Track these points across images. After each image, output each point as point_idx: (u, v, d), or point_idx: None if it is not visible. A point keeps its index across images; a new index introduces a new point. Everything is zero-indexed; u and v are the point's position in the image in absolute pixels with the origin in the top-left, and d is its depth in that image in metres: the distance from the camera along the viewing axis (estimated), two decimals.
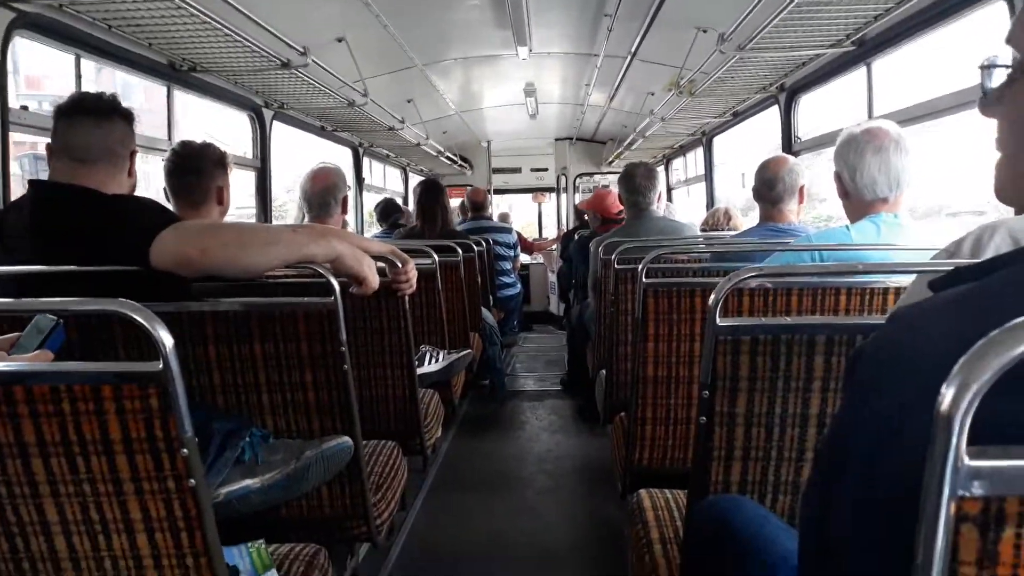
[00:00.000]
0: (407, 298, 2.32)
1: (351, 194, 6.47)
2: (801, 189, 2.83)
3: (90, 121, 1.71)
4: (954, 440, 0.48)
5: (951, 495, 0.49)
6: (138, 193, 1.88)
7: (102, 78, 3.31)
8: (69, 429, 1.04)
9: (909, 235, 1.99)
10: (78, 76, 2.69)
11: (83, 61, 2.71)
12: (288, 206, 6.36)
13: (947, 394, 0.48)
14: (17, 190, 2.19)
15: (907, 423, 0.54)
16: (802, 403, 1.29)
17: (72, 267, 1.54)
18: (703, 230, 4.30)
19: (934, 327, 0.60)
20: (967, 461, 0.48)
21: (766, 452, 1.33)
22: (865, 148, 2.01)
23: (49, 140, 1.73)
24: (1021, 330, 0.47)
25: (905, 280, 1.71)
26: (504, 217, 9.13)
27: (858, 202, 2.08)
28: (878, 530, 0.57)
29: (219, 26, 2.65)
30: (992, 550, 0.50)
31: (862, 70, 3.23)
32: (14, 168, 2.25)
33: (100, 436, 1.04)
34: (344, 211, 3.08)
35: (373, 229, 6.86)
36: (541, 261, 8.91)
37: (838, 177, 2.10)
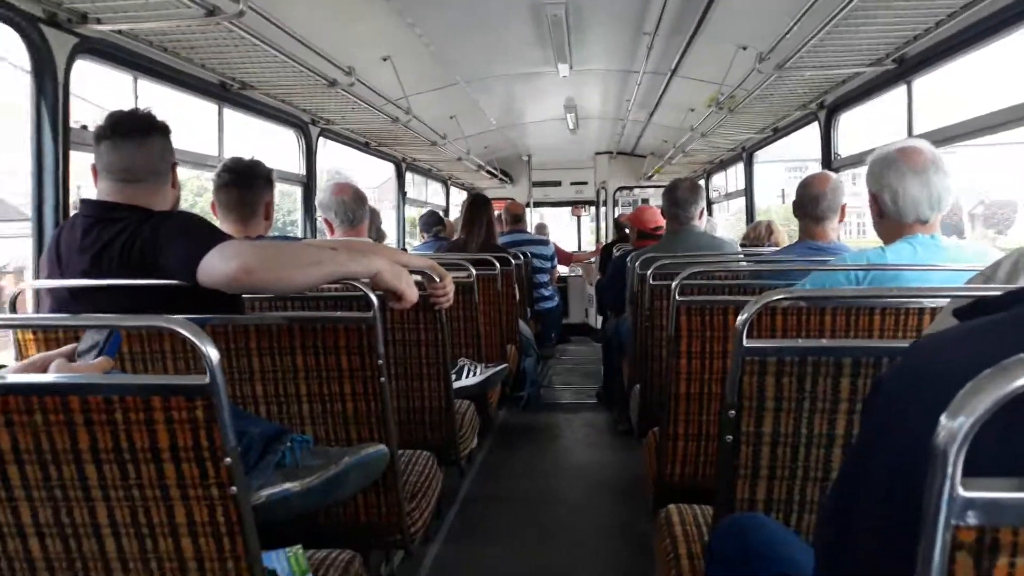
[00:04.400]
0: (444, 311, 2.37)
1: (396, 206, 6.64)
2: (843, 207, 2.81)
3: (130, 141, 1.77)
4: (949, 471, 0.50)
5: (947, 524, 0.51)
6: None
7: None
8: (121, 437, 1.10)
9: (946, 256, 1.96)
10: (136, 96, 2.81)
11: (140, 81, 2.83)
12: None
13: (944, 426, 0.50)
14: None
15: (921, 455, 0.57)
16: (828, 424, 1.30)
17: (123, 281, 1.62)
18: (744, 244, 4.29)
19: (952, 358, 0.62)
20: (962, 492, 0.50)
21: (792, 471, 1.34)
22: (905, 170, 1.97)
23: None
24: (1017, 366, 0.50)
25: (941, 300, 1.70)
26: (541, 228, 9.16)
27: (895, 224, 2.04)
28: (896, 559, 0.58)
29: (269, 48, 2.74)
30: None
31: (902, 88, 3.21)
32: None
33: (149, 444, 1.10)
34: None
35: (414, 241, 6.97)
36: (580, 274, 8.92)
37: (875, 198, 2.07)
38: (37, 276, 2.08)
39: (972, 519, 0.51)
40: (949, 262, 1.92)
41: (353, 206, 3.01)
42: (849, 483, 0.70)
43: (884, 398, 0.65)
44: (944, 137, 2.82)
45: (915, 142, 2.05)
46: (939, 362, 0.63)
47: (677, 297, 2.04)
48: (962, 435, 0.49)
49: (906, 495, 0.57)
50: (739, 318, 1.30)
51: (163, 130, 1.86)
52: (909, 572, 0.53)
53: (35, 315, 1.94)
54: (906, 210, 2.00)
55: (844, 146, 4.03)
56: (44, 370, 1.20)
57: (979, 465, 0.52)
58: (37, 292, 2.07)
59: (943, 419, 0.50)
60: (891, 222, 2.06)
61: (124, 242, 1.66)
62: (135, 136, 1.78)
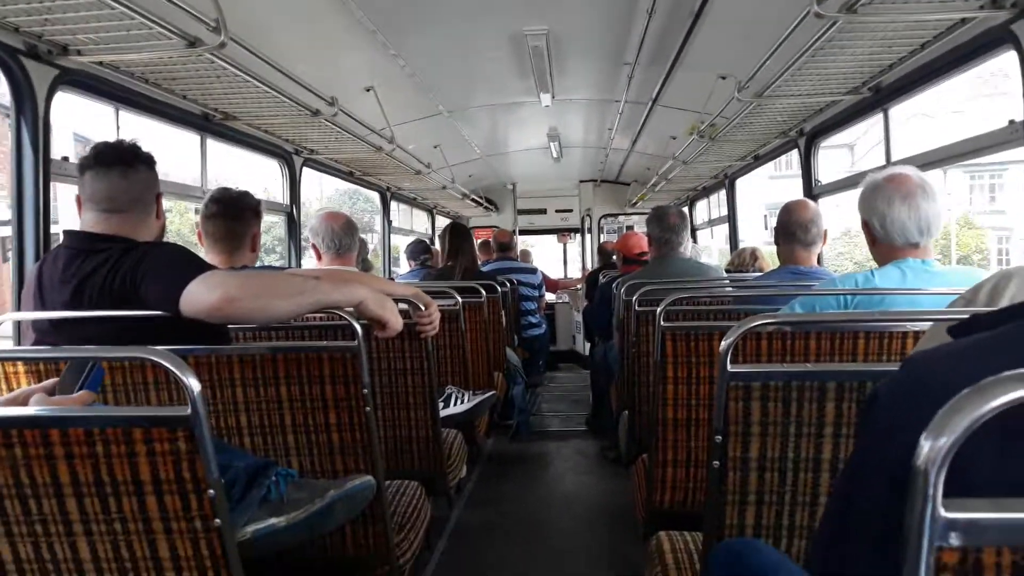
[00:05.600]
0: (431, 339, 2.36)
1: (379, 236, 6.64)
2: (825, 233, 2.86)
3: (114, 172, 1.78)
4: (930, 492, 0.50)
5: (930, 546, 0.51)
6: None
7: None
8: (102, 470, 1.08)
9: (937, 281, 1.97)
10: (117, 127, 2.80)
11: (121, 113, 2.82)
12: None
13: (924, 447, 0.51)
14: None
15: None
16: (814, 448, 1.30)
17: (105, 312, 1.61)
18: (729, 270, 4.32)
19: (948, 373, 0.62)
20: (943, 513, 0.51)
21: (780, 496, 1.34)
22: (893, 195, 2.00)
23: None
24: (994, 385, 0.50)
25: (925, 324, 1.71)
26: (525, 255, 9.17)
27: (887, 248, 2.07)
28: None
29: (251, 79, 2.75)
30: None
31: (879, 115, 3.26)
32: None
33: (131, 477, 1.09)
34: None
35: (400, 269, 6.97)
36: (567, 300, 8.93)
37: (866, 224, 2.10)
38: (18, 308, 2.06)
39: (955, 540, 0.51)
40: (937, 287, 1.93)
41: (341, 235, 3.01)
42: (846, 501, 0.69)
43: (881, 411, 0.66)
44: (924, 162, 2.86)
45: (903, 169, 2.08)
46: (933, 376, 0.63)
47: (662, 323, 2.05)
48: (942, 455, 0.50)
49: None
50: (723, 343, 1.31)
51: (148, 161, 1.86)
52: None
53: (15, 348, 1.92)
54: (894, 235, 2.03)
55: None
56: (24, 405, 1.18)
57: (975, 483, 0.52)
58: (18, 324, 2.06)
59: (923, 439, 0.51)
60: (883, 247, 2.09)
61: (106, 273, 1.65)
62: (120, 166, 1.78)
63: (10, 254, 2.26)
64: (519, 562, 3.12)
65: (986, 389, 0.50)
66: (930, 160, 2.82)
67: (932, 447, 0.50)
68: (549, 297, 8.33)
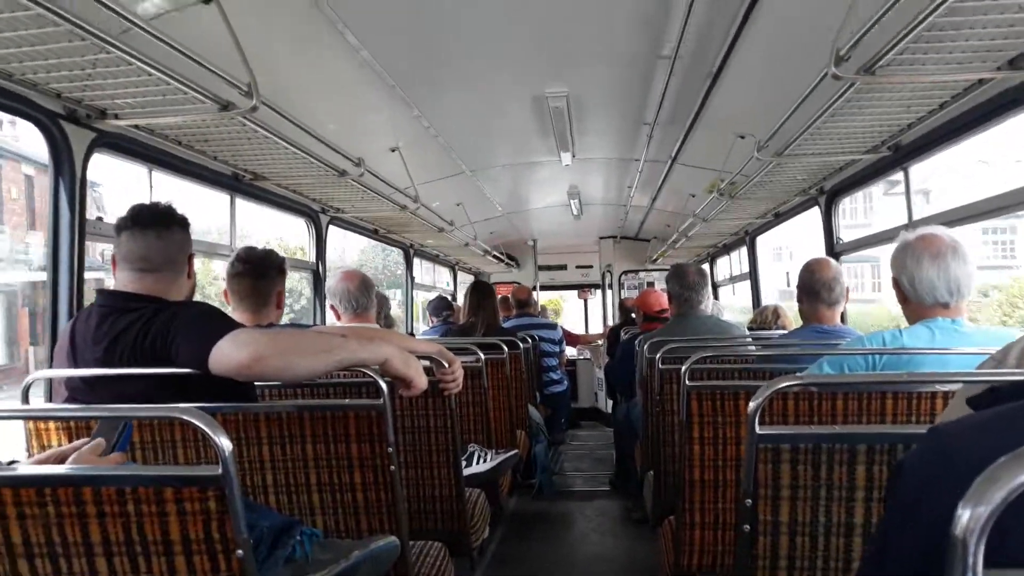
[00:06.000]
0: (454, 397, 2.37)
1: (402, 292, 6.69)
2: (847, 290, 2.87)
3: (150, 233, 1.83)
4: (970, 561, 0.50)
5: None
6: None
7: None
8: (132, 529, 1.09)
9: (967, 341, 1.96)
10: (151, 187, 2.88)
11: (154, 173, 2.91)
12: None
13: (961, 516, 0.50)
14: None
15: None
16: (846, 512, 1.28)
17: (135, 370, 1.64)
18: (751, 328, 4.30)
19: (972, 446, 0.62)
20: None
21: (811, 562, 1.32)
22: (922, 255, 2.02)
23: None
24: None
25: (954, 385, 1.69)
26: (544, 311, 9.16)
27: (917, 307, 2.08)
28: None
29: (280, 141, 2.83)
30: None
31: (900, 174, 3.27)
32: None
33: (161, 537, 1.10)
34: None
35: (421, 325, 7.00)
36: (588, 357, 8.89)
37: (896, 283, 2.11)
38: (51, 366, 2.10)
39: None
40: (967, 347, 1.92)
41: (357, 294, 3.03)
42: (877, 567, 0.69)
43: (907, 484, 0.65)
44: (947, 220, 2.85)
45: (934, 229, 2.09)
46: (957, 450, 0.63)
47: (687, 382, 2.04)
48: (980, 525, 0.50)
49: None
50: (751, 405, 1.30)
51: (183, 223, 1.92)
52: None
53: (48, 406, 1.95)
54: (923, 294, 2.03)
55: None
56: (62, 463, 1.20)
57: (1012, 553, 0.52)
58: (50, 382, 2.09)
59: (960, 509, 0.51)
60: (912, 306, 2.10)
61: (138, 332, 1.68)
62: (156, 227, 1.84)
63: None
64: None
65: (1023, 458, 0.50)
66: (954, 218, 2.82)
67: (971, 517, 0.50)
68: (570, 352, 8.30)
